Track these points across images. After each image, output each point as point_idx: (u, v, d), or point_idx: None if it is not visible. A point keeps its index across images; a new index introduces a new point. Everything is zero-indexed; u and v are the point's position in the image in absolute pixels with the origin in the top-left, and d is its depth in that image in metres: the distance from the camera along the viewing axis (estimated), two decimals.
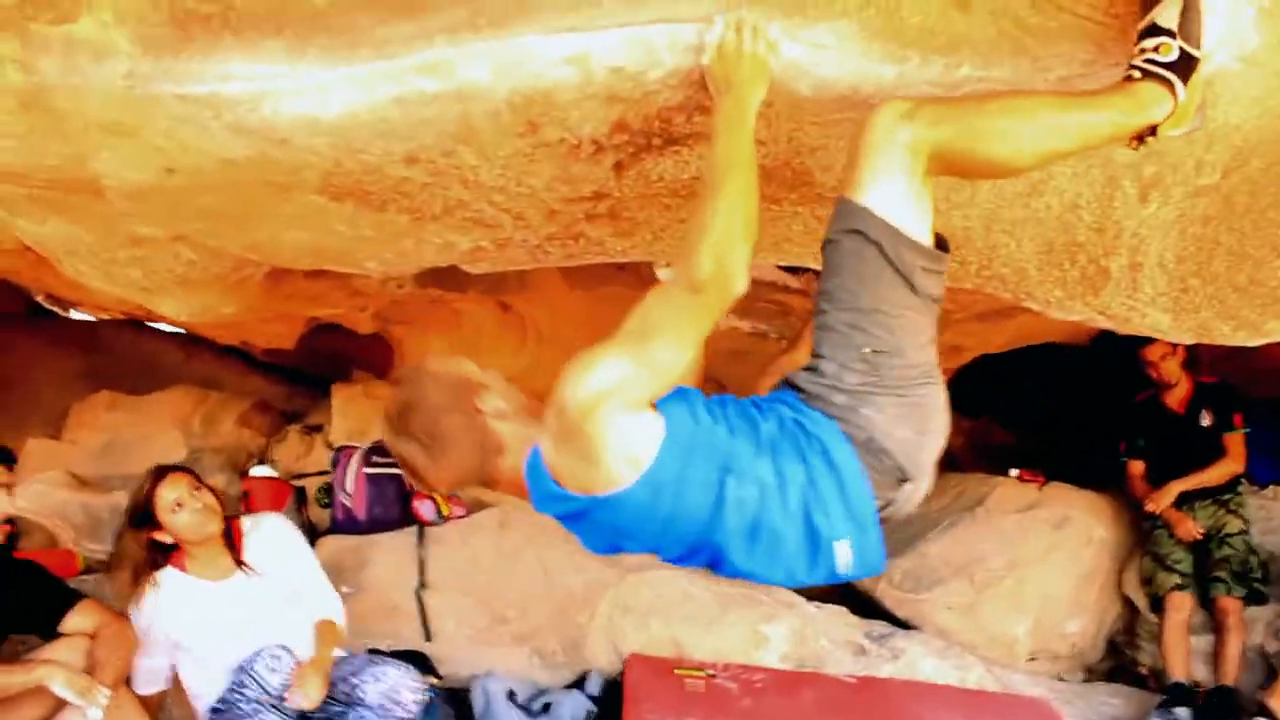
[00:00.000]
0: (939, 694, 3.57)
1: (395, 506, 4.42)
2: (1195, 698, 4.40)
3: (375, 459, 4.53)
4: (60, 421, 5.72)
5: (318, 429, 5.34)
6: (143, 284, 3.31)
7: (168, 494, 3.37)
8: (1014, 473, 5.32)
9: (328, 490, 4.59)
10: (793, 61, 2.06)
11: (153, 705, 3.54)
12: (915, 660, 4.00)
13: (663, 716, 3.28)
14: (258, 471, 4.59)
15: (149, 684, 3.51)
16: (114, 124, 2.28)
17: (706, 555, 1.93)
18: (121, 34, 2.14)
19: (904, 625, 4.65)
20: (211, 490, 3.52)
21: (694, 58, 2.04)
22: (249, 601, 3.43)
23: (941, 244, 1.92)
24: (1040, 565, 4.76)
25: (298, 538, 3.76)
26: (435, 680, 3.72)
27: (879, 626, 4.33)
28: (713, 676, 3.59)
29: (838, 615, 4.30)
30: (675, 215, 2.63)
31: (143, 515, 3.39)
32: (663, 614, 4.02)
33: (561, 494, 1.85)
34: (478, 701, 3.65)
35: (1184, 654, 4.50)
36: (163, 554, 3.43)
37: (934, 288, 1.91)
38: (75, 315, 6.59)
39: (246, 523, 3.67)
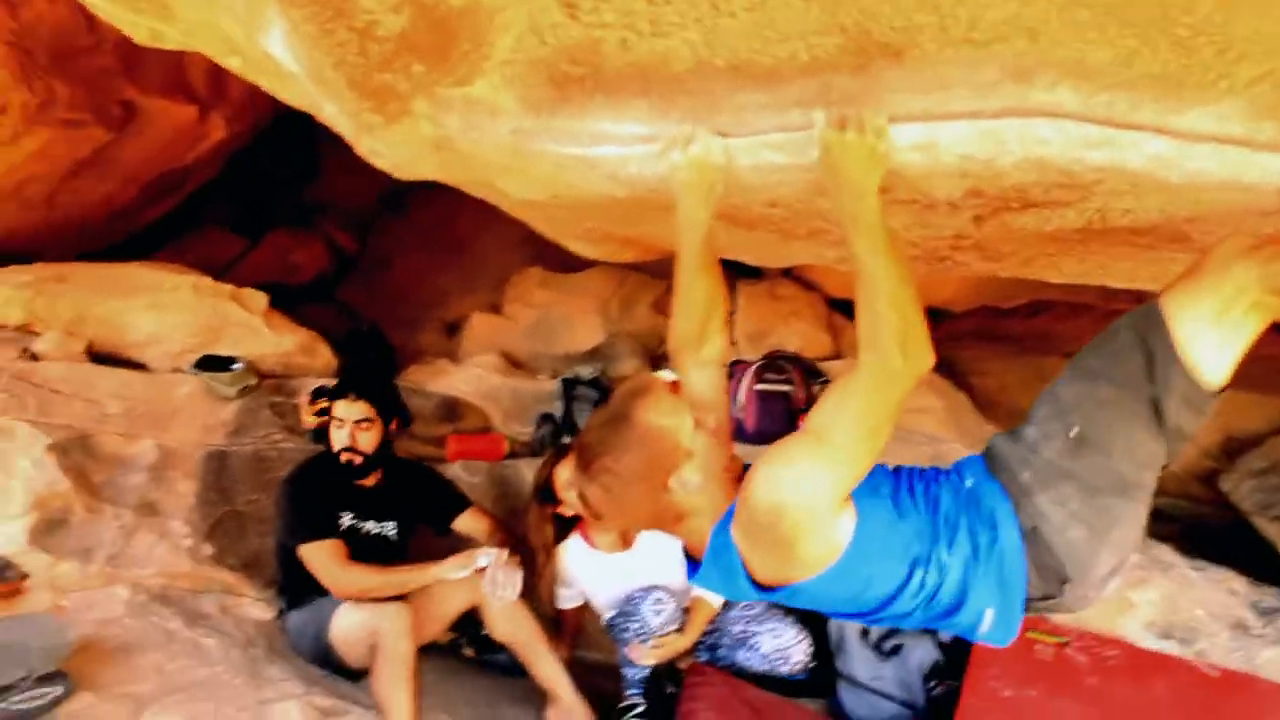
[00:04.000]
0: None
1: (781, 421, 4.62)
2: None
3: (768, 376, 4.76)
4: (501, 286, 6.43)
5: None
6: (550, 233, 3.66)
7: (565, 474, 3.69)
8: None
9: None
10: (1159, 157, 1.92)
11: (573, 615, 4.12)
12: None
13: (1004, 685, 3.34)
14: (661, 376, 4.90)
15: (569, 603, 4.07)
16: (507, 166, 2.55)
17: (864, 618, 2.00)
18: (509, 95, 2.37)
19: None
20: None
21: (1045, 149, 1.95)
22: (639, 567, 3.80)
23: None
24: None
25: None
26: None
27: (1271, 597, 4.03)
28: (1065, 645, 3.56)
29: (1221, 581, 4.03)
30: (1043, 250, 2.55)
31: (544, 493, 3.82)
32: None
33: (745, 591, 1.90)
34: (833, 635, 3.89)
35: None
36: (565, 527, 3.88)
37: (1183, 420, 1.84)
38: None
39: None
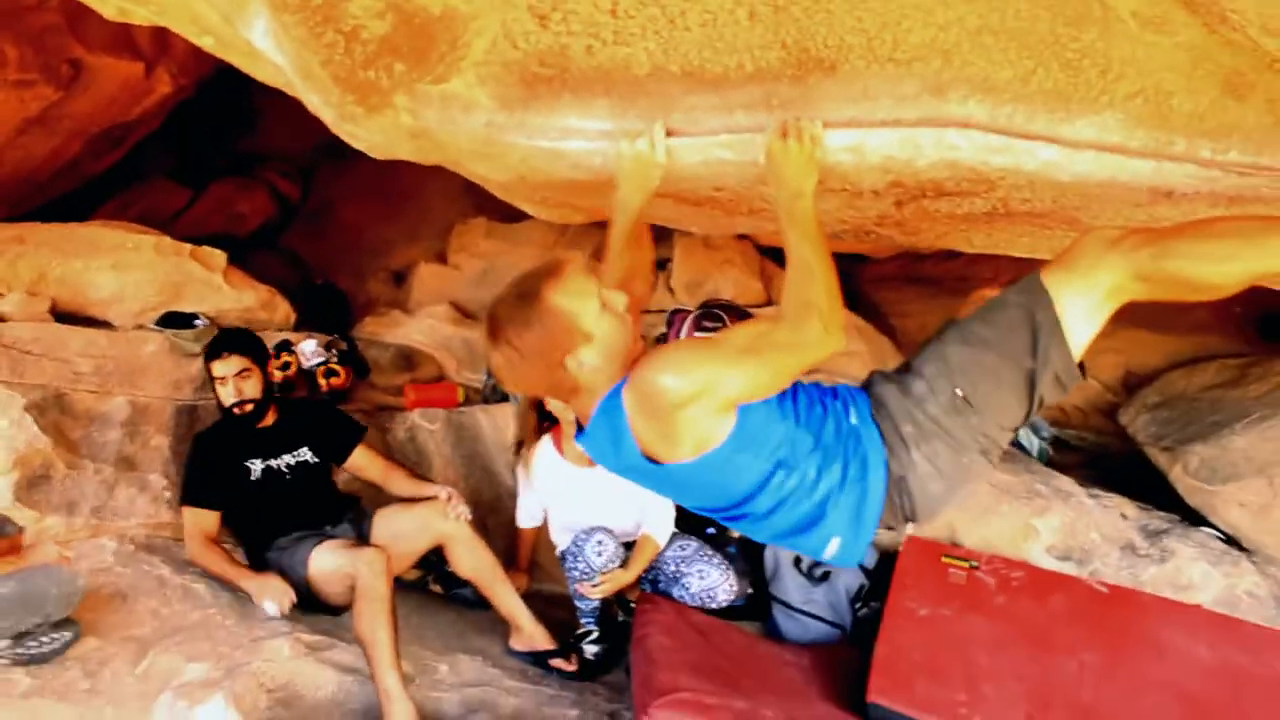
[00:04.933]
0: (1190, 616, 3.74)
1: None
2: None
3: (705, 324, 5.05)
4: (444, 235, 6.64)
5: (663, 265, 5.86)
6: (504, 196, 3.90)
7: None
8: None
9: (661, 341, 5.19)
10: (1051, 162, 2.25)
11: (529, 537, 4.49)
12: (1184, 564, 4.15)
13: (922, 605, 3.71)
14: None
15: (527, 520, 4.42)
16: (479, 152, 2.81)
17: (726, 515, 2.25)
18: (483, 92, 2.62)
19: (1191, 514, 4.77)
20: None
21: (956, 154, 2.27)
22: (596, 490, 4.09)
23: (1081, 367, 2.12)
24: None
25: None
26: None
27: (1157, 520, 4.44)
28: (975, 568, 3.93)
29: (1114, 508, 4.43)
30: (957, 227, 2.88)
31: None
32: None
33: (627, 455, 2.09)
34: (769, 562, 4.27)
35: None
36: (545, 421, 4.19)
37: (1049, 393, 2.12)
38: None
39: None
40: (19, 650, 3.09)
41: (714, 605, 4.06)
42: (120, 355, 4.67)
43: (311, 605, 3.76)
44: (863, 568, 4.17)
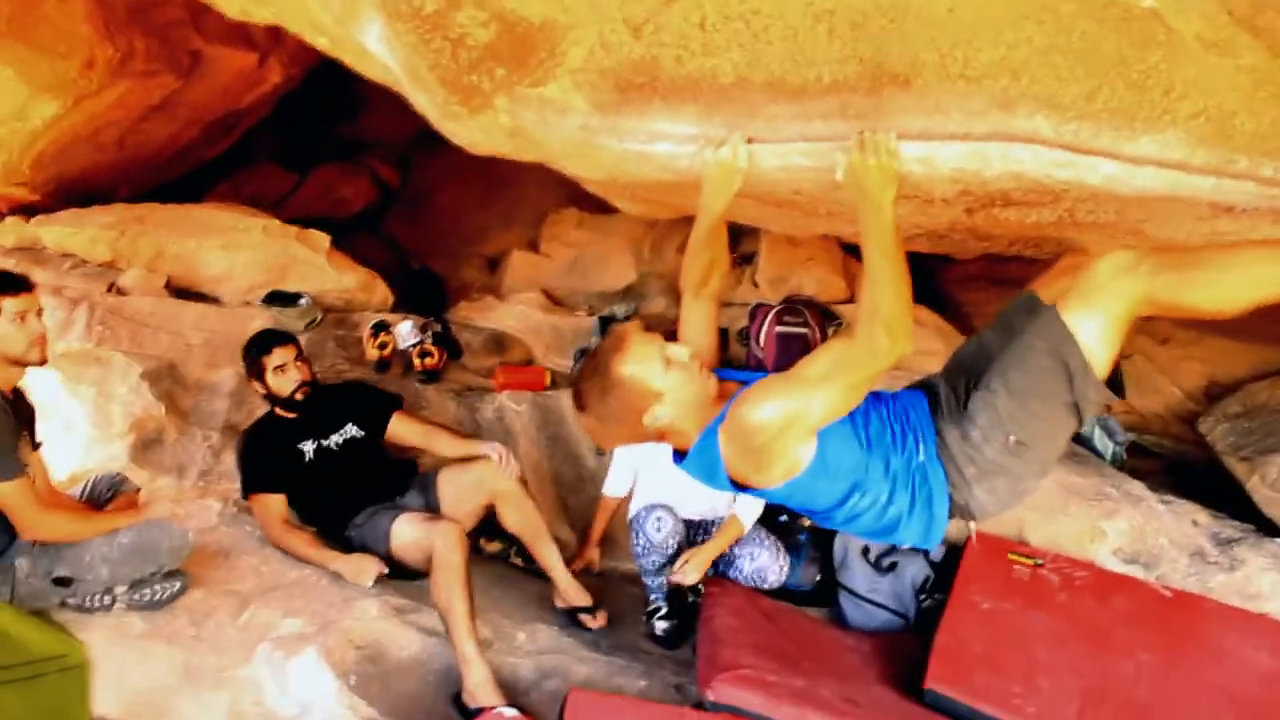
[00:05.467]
0: (1256, 626, 3.73)
1: (797, 360, 5.02)
2: None
3: (786, 319, 5.20)
4: (538, 224, 6.86)
5: (749, 259, 6.03)
6: (596, 191, 4.08)
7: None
8: None
9: (744, 334, 5.37)
10: (1112, 176, 2.35)
11: (609, 508, 4.62)
12: (1254, 574, 4.16)
13: (985, 599, 3.82)
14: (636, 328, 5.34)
15: (613, 488, 4.57)
16: (573, 153, 2.98)
17: (820, 516, 2.54)
18: (578, 97, 2.79)
19: (1269, 524, 4.77)
20: None
21: (1021, 167, 2.39)
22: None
23: (1115, 382, 2.27)
24: None
25: None
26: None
27: (1229, 529, 4.46)
28: (1040, 566, 4.01)
29: (1185, 514, 4.45)
30: (1024, 234, 2.98)
31: None
32: None
33: (721, 483, 2.38)
34: (838, 551, 4.39)
35: None
36: None
37: (1090, 412, 2.32)
38: None
39: None
40: (135, 596, 3.37)
41: (765, 586, 4.21)
42: (229, 330, 4.96)
43: (396, 573, 3.97)
44: (929, 560, 4.28)
